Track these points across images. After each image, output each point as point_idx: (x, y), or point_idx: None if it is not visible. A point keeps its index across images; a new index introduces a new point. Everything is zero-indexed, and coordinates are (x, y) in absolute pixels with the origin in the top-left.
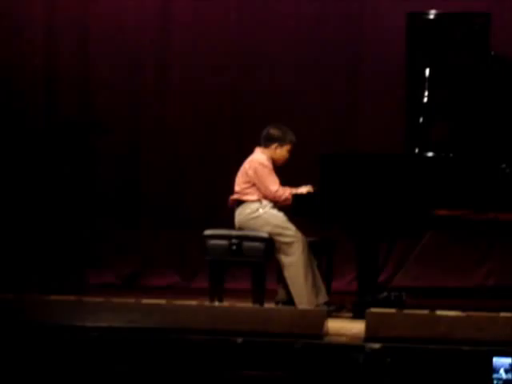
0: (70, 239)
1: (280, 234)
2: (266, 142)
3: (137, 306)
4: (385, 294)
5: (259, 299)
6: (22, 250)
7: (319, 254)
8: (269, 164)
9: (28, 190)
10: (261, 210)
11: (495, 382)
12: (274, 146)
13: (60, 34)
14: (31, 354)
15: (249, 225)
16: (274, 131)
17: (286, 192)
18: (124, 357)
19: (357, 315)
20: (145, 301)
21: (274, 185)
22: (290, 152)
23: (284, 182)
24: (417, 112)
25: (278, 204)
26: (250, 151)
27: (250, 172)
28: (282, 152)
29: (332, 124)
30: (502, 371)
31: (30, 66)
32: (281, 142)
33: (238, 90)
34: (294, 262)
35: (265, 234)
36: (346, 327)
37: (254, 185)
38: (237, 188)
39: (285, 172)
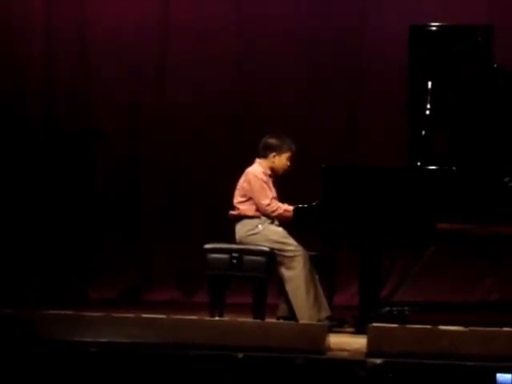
0: (70, 253)
1: (281, 249)
2: (264, 152)
3: (137, 321)
4: (387, 308)
5: (260, 314)
6: (20, 264)
7: (321, 268)
8: (263, 177)
9: (26, 203)
10: (260, 227)
11: None
12: (272, 155)
13: (59, 41)
14: (30, 370)
15: (248, 241)
16: (271, 140)
17: (281, 209)
18: (124, 372)
19: (359, 330)
20: (145, 315)
21: (265, 198)
22: (291, 160)
23: (284, 194)
24: (419, 125)
25: (275, 219)
26: (251, 161)
27: (245, 185)
28: (281, 160)
29: (333, 136)
30: None
31: (30, 73)
32: (279, 150)
33: (239, 99)
34: (296, 276)
35: (266, 248)
36: (348, 342)
37: (250, 198)
38: (235, 201)
39: (285, 183)
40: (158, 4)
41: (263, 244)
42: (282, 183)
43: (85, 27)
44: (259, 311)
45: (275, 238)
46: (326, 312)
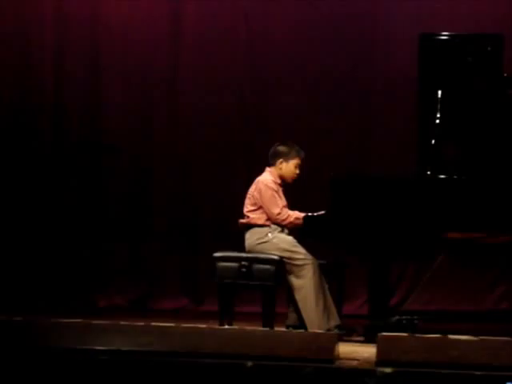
0: (78, 261)
1: (290, 258)
2: (273, 159)
3: (146, 329)
4: (396, 317)
5: (269, 322)
6: (30, 271)
7: (330, 277)
8: (273, 185)
9: (36, 212)
10: (270, 235)
11: None
12: (279, 161)
13: (70, 53)
14: (39, 378)
15: (258, 249)
16: (279, 147)
17: (292, 217)
18: (133, 380)
19: (368, 339)
20: (154, 324)
21: (275, 207)
22: (299, 167)
23: (295, 205)
24: (429, 134)
25: (285, 227)
26: (260, 171)
27: (256, 193)
28: (288, 167)
29: (342, 145)
30: None
31: (41, 84)
32: (286, 156)
33: (250, 111)
34: (305, 284)
35: (275, 257)
36: (358, 351)
37: (260, 207)
38: (245, 210)
39: (296, 194)
40: (169, 5)
41: (273, 252)
42: (293, 190)
43: (95, 28)
44: (268, 320)
45: (285, 246)
46: (335, 321)
